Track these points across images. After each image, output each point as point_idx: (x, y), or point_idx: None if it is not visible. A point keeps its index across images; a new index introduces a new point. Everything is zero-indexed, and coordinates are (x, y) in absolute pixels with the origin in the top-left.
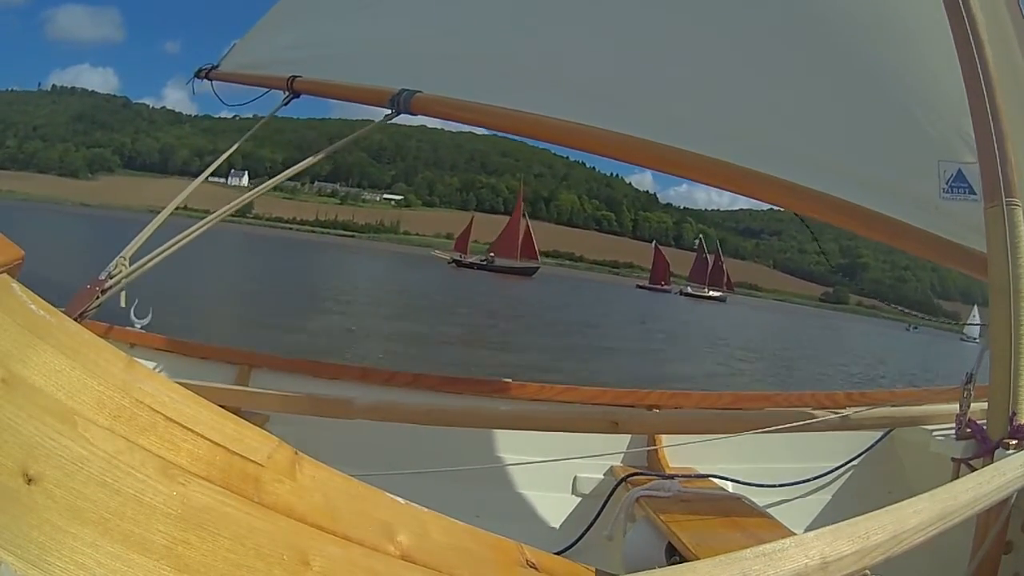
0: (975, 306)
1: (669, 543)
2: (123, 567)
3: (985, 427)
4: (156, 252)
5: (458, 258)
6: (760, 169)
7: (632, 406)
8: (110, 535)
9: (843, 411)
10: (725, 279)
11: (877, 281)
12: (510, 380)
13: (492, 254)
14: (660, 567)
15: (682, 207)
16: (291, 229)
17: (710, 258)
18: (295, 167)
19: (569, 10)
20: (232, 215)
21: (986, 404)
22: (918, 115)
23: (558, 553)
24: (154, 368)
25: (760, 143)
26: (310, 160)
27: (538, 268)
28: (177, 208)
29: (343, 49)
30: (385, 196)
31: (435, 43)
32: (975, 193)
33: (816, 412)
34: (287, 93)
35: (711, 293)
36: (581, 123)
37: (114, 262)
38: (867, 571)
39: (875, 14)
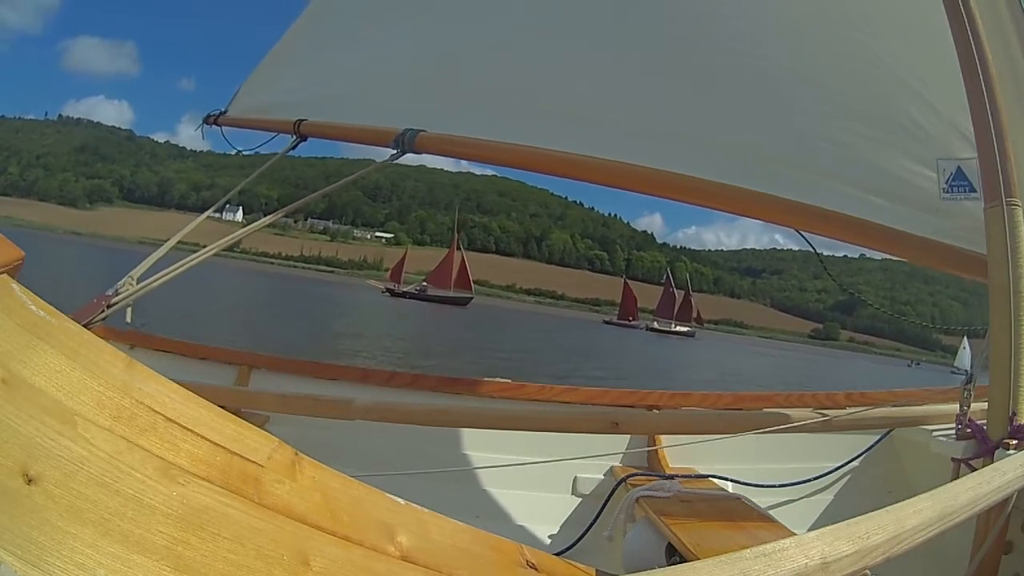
0: (964, 337)
1: (669, 543)
2: (123, 567)
3: (985, 427)
4: (161, 274)
5: (391, 287)
6: (753, 187)
7: (632, 406)
8: (110, 535)
9: (843, 411)
10: (695, 314)
11: (875, 317)
12: (509, 380)
13: (426, 284)
14: (660, 567)
15: (679, 247)
16: (273, 264)
17: (679, 293)
18: (292, 205)
19: (568, 45)
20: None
21: (986, 404)
22: (914, 113)
23: (558, 553)
24: (154, 369)
25: (752, 156)
26: (307, 199)
27: (471, 299)
28: (177, 243)
29: (346, 89)
30: (377, 234)
31: (437, 81)
32: (975, 191)
33: (816, 412)
34: (295, 137)
35: (678, 328)
36: (585, 155)
37: (122, 280)
38: (867, 571)
39: (865, 11)
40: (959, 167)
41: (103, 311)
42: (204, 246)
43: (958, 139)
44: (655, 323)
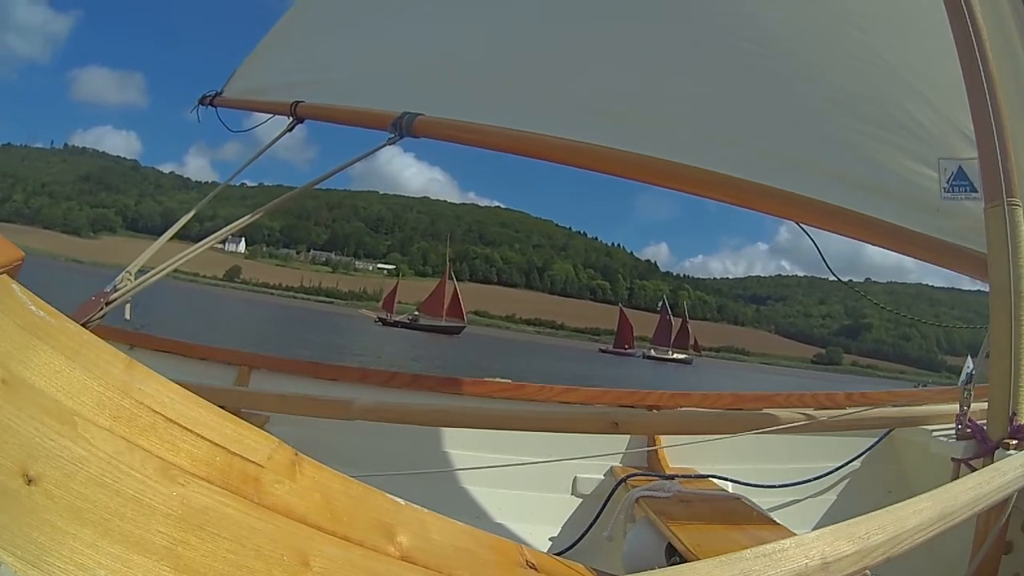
0: (968, 357)
1: (669, 543)
2: (123, 568)
3: (985, 427)
4: (159, 268)
5: (383, 317)
6: (755, 179)
7: (632, 407)
8: (110, 536)
9: (843, 411)
10: (692, 341)
11: (880, 341)
12: (509, 380)
13: (417, 313)
14: (660, 567)
15: (682, 275)
16: (273, 294)
17: (676, 320)
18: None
19: (569, 30)
20: (220, 278)
21: (986, 404)
22: (915, 112)
23: (558, 554)
24: (154, 369)
25: (753, 151)
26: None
27: (463, 328)
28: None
29: (344, 73)
30: (379, 265)
31: (437, 65)
32: (976, 191)
33: (816, 412)
34: (291, 119)
35: (675, 355)
36: (587, 142)
37: (120, 276)
38: (867, 571)
39: (867, 10)
40: (960, 167)
41: (102, 309)
42: (201, 274)
43: (959, 139)
44: (652, 351)
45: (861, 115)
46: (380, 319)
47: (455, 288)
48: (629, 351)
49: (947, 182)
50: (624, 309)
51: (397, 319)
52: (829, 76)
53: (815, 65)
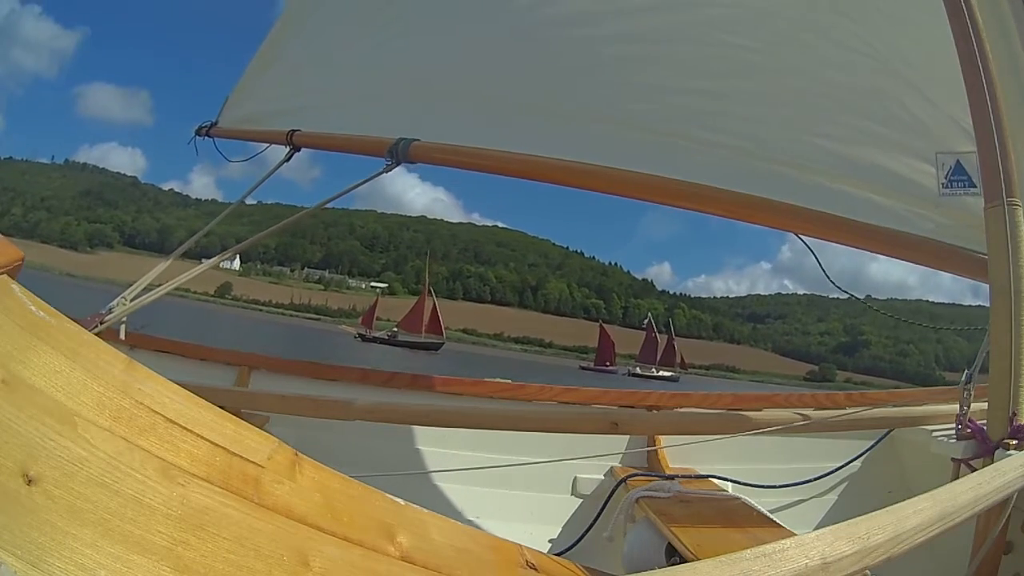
0: (966, 371)
1: (669, 544)
2: (123, 568)
3: (985, 427)
4: (151, 293)
5: (363, 332)
6: (750, 191)
7: (632, 407)
8: (110, 536)
9: (843, 411)
10: (678, 359)
11: (877, 357)
12: (509, 380)
13: (396, 329)
14: (660, 568)
15: (680, 294)
16: (262, 311)
17: (661, 338)
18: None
19: (565, 54)
20: (211, 295)
21: (986, 404)
22: (912, 107)
23: (558, 554)
24: (154, 370)
25: (747, 156)
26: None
27: (442, 344)
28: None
29: (338, 98)
30: (372, 284)
31: (431, 88)
32: (975, 185)
33: (816, 413)
34: (288, 147)
35: (662, 373)
36: (584, 162)
37: (116, 300)
38: (867, 571)
39: (861, 3)
40: (958, 160)
41: (96, 327)
42: (192, 290)
43: (957, 133)
44: (637, 368)
45: (857, 111)
46: (359, 335)
47: (434, 304)
48: (611, 368)
49: (945, 177)
50: (605, 326)
51: (376, 335)
52: (823, 72)
53: (808, 62)
